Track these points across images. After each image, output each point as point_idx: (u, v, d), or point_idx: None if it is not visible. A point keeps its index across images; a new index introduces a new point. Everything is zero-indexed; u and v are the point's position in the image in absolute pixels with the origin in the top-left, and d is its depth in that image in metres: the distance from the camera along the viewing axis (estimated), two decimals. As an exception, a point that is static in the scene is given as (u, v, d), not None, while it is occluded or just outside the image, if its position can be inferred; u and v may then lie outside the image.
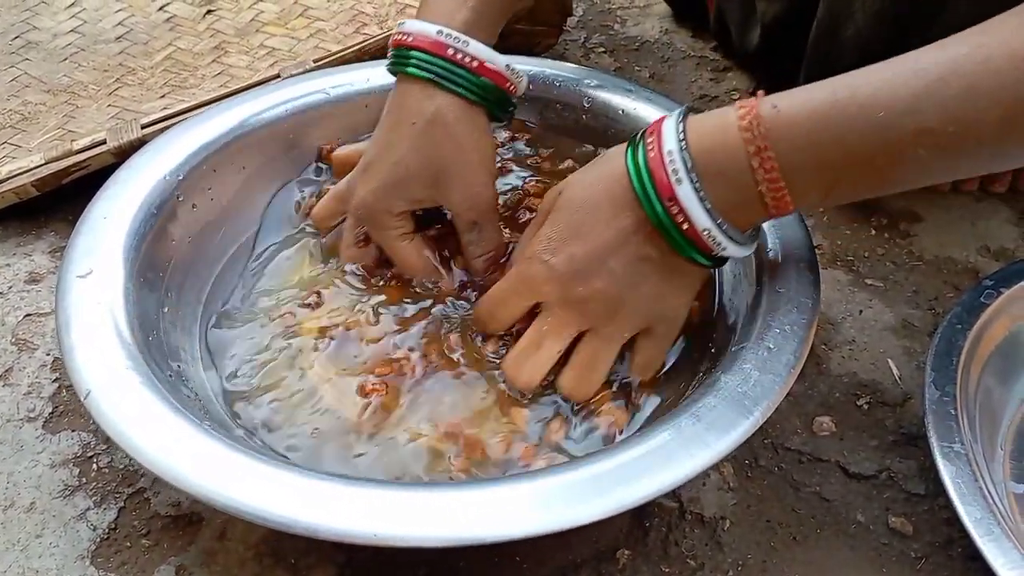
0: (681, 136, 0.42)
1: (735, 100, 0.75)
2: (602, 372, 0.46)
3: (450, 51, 0.48)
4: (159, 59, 0.75)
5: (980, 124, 0.38)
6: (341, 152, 0.57)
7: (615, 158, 0.44)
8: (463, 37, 0.49)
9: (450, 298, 0.51)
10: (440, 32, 0.48)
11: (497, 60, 0.50)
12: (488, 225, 0.51)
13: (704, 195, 0.41)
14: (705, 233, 0.42)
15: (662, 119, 0.43)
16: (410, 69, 0.49)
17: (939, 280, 0.60)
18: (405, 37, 0.49)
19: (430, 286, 0.52)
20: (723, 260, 0.44)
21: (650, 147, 0.42)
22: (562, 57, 0.79)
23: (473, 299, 0.50)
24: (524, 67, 0.59)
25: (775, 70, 0.71)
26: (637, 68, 0.79)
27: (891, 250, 0.62)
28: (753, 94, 0.42)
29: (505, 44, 0.66)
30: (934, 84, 0.38)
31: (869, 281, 0.60)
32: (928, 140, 0.38)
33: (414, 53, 0.49)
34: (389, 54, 0.51)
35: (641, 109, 0.59)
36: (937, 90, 0.38)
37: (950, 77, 0.38)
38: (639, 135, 0.44)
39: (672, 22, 0.84)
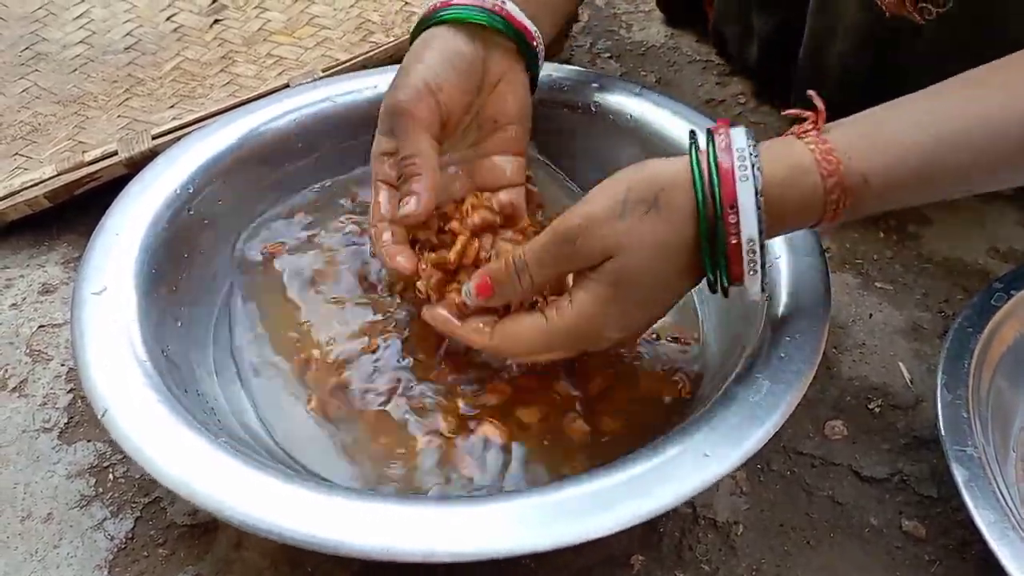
0: (753, 151, 0.41)
1: (741, 104, 0.76)
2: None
3: (490, 3, 0.50)
4: (167, 69, 0.75)
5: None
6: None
7: (674, 211, 0.41)
8: None
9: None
10: None
11: (524, 19, 0.51)
12: (519, 137, 0.51)
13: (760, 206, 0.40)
14: (749, 244, 0.40)
15: (725, 134, 0.42)
16: (457, 13, 0.49)
17: (949, 282, 0.60)
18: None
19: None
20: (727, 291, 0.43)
21: (722, 145, 0.41)
22: (568, 63, 0.79)
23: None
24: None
25: (775, 79, 0.72)
26: (643, 72, 0.79)
27: (900, 253, 0.62)
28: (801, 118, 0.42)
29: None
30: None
31: (879, 284, 0.60)
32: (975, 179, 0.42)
33: (454, 6, 0.49)
34: (424, 15, 0.51)
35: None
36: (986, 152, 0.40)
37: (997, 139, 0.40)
38: (699, 143, 0.42)
39: (677, 26, 0.84)
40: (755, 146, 0.41)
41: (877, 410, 0.53)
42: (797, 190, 0.41)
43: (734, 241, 0.40)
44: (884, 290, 0.60)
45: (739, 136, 0.41)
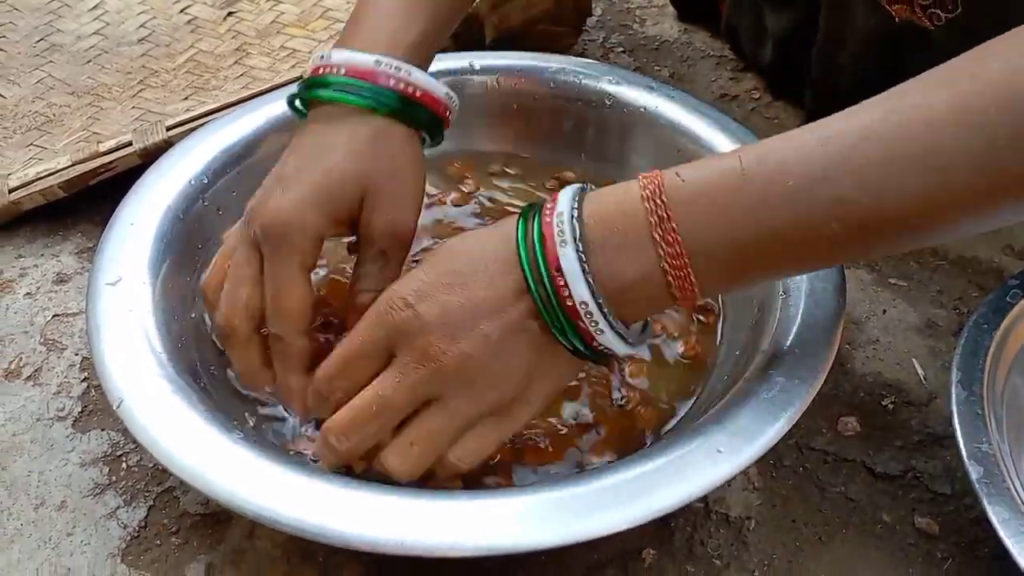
0: (575, 204, 0.37)
1: (755, 100, 0.76)
2: (435, 452, 0.40)
3: (391, 81, 0.44)
4: (181, 61, 0.75)
5: (899, 195, 0.35)
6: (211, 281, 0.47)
7: (510, 222, 0.40)
8: (405, 66, 0.45)
9: None
10: (379, 62, 0.44)
11: (438, 89, 0.46)
12: (394, 260, 0.45)
13: (589, 266, 0.37)
14: (583, 307, 0.37)
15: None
16: (345, 96, 0.44)
17: (963, 280, 0.60)
18: (333, 68, 0.45)
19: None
20: (602, 354, 0.39)
21: (546, 213, 0.38)
22: (581, 57, 0.79)
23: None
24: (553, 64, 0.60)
25: (789, 77, 0.71)
26: (656, 68, 0.79)
27: (915, 249, 0.62)
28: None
29: (525, 46, 0.66)
30: (847, 150, 0.35)
31: (892, 280, 0.60)
32: (842, 212, 0.35)
33: (347, 80, 0.44)
34: (301, 84, 0.46)
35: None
36: (850, 157, 0.35)
37: (863, 144, 0.35)
38: (540, 204, 0.39)
39: (690, 23, 0.84)
40: (578, 207, 0.38)
41: (891, 407, 0.53)
42: (620, 212, 0.37)
43: (569, 302, 0.37)
44: (898, 286, 0.60)
45: (564, 202, 0.38)
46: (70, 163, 0.62)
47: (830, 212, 0.35)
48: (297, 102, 0.47)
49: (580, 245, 0.37)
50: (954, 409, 0.46)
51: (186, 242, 0.51)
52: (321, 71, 0.45)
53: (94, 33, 0.78)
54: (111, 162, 0.62)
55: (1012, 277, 0.53)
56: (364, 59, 0.45)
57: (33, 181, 0.62)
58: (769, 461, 0.50)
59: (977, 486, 0.43)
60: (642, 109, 0.59)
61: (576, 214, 0.37)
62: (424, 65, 0.47)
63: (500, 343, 0.38)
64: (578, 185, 0.39)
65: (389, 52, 0.45)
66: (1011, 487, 0.43)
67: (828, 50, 0.63)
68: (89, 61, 0.76)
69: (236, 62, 0.75)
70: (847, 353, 0.55)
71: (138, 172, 0.54)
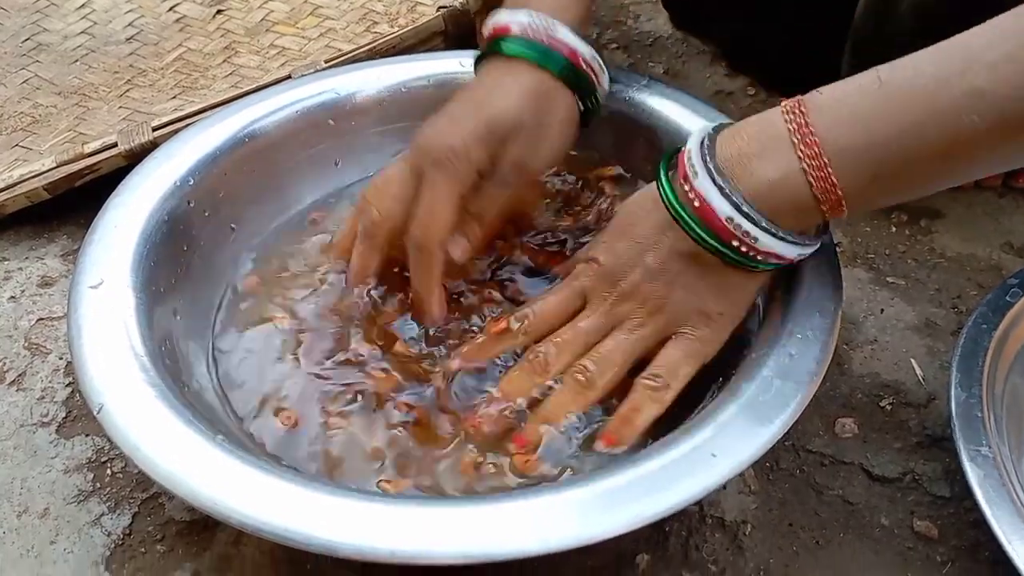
0: (705, 135, 0.42)
1: (751, 96, 0.75)
2: (618, 366, 0.45)
3: (562, 47, 0.49)
4: (169, 60, 0.74)
5: None
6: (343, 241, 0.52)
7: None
8: (572, 36, 0.49)
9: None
10: (553, 27, 0.49)
11: (585, 50, 0.50)
12: (510, 191, 0.49)
13: (723, 180, 0.40)
14: (729, 223, 0.41)
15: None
16: (508, 47, 0.49)
17: (962, 278, 0.59)
18: (497, 26, 0.50)
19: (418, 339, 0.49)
20: (770, 259, 0.42)
21: (682, 151, 0.43)
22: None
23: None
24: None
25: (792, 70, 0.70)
26: (651, 64, 0.78)
27: (912, 247, 0.61)
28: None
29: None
30: (980, 50, 0.37)
31: (890, 279, 0.59)
32: (981, 104, 0.36)
33: (508, 38, 0.49)
34: (483, 47, 0.51)
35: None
36: (984, 54, 0.36)
37: (997, 42, 0.36)
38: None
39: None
40: (715, 130, 0.43)
41: (888, 408, 0.52)
42: (762, 122, 0.42)
43: (698, 204, 0.42)
44: (896, 285, 0.59)
45: (700, 130, 0.43)
46: (55, 164, 0.62)
47: (967, 104, 0.36)
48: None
49: (712, 166, 0.41)
50: (953, 410, 0.45)
51: (171, 245, 0.50)
52: (500, 32, 0.50)
53: (81, 32, 0.77)
54: (96, 163, 0.61)
55: (1012, 276, 0.52)
56: (540, 22, 0.49)
57: (17, 183, 0.61)
58: (765, 464, 0.49)
59: (977, 489, 0.42)
60: (635, 105, 0.58)
61: (707, 142, 0.42)
62: (585, 37, 0.51)
63: (663, 270, 0.44)
64: (710, 124, 0.43)
65: (559, 19, 0.49)
66: (1011, 490, 0.42)
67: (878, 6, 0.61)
68: (76, 61, 0.75)
69: (225, 60, 0.74)
70: (844, 353, 0.55)
71: (124, 173, 0.53)
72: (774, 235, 0.41)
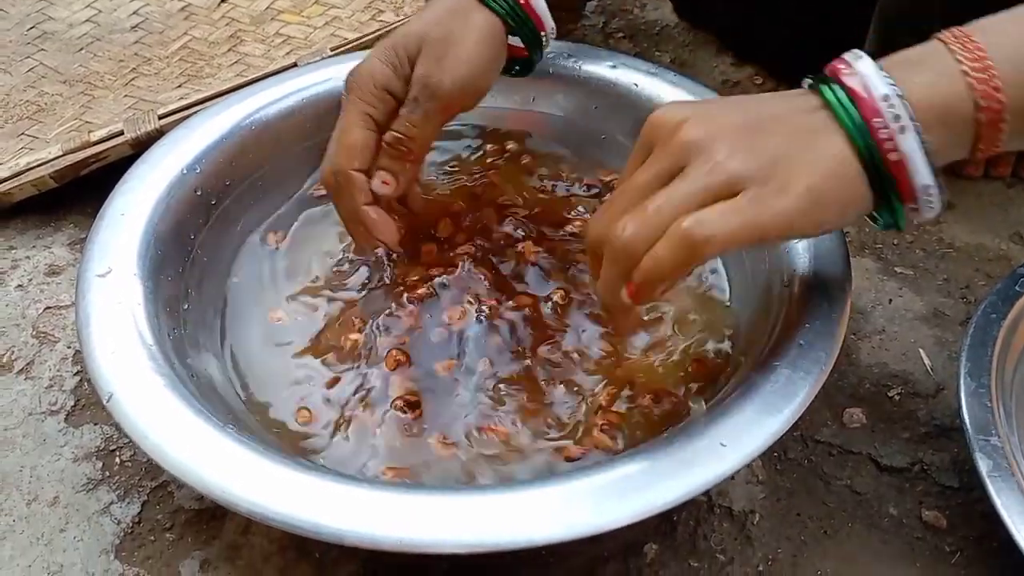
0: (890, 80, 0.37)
1: (758, 85, 0.74)
2: (672, 215, 0.37)
3: None
4: (175, 48, 0.74)
5: None
6: None
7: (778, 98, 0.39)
8: None
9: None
10: None
11: (546, 14, 0.52)
12: (423, 110, 0.47)
13: (885, 72, 0.37)
14: (885, 101, 0.36)
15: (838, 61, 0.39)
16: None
17: (970, 268, 0.59)
18: None
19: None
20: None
21: (850, 88, 0.37)
22: (582, 42, 0.78)
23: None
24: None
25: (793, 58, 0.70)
26: (657, 53, 0.78)
27: (921, 237, 0.61)
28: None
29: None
30: None
31: (899, 269, 0.59)
32: None
33: None
34: None
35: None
36: None
37: None
38: (816, 80, 0.39)
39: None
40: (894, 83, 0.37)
41: (897, 398, 0.52)
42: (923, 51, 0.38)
43: (896, 160, 0.37)
44: (904, 275, 0.59)
45: (875, 78, 0.37)
46: (61, 153, 0.61)
47: None
48: None
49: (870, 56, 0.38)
50: (962, 400, 0.45)
51: (178, 232, 0.50)
52: None
53: (86, 21, 0.77)
54: (103, 152, 0.61)
55: (1021, 265, 0.52)
56: None
57: (24, 171, 0.61)
58: (773, 454, 0.49)
59: (986, 479, 0.42)
60: (639, 92, 0.58)
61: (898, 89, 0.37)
62: None
63: (761, 127, 0.38)
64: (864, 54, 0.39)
65: None
66: (1020, 480, 0.42)
67: None
68: (81, 49, 0.74)
69: (230, 49, 0.74)
70: (852, 343, 0.54)
71: (131, 161, 0.53)
72: (919, 135, 0.36)
